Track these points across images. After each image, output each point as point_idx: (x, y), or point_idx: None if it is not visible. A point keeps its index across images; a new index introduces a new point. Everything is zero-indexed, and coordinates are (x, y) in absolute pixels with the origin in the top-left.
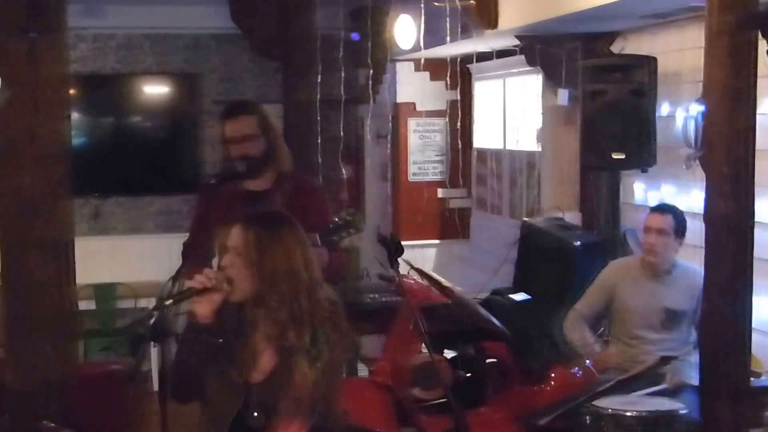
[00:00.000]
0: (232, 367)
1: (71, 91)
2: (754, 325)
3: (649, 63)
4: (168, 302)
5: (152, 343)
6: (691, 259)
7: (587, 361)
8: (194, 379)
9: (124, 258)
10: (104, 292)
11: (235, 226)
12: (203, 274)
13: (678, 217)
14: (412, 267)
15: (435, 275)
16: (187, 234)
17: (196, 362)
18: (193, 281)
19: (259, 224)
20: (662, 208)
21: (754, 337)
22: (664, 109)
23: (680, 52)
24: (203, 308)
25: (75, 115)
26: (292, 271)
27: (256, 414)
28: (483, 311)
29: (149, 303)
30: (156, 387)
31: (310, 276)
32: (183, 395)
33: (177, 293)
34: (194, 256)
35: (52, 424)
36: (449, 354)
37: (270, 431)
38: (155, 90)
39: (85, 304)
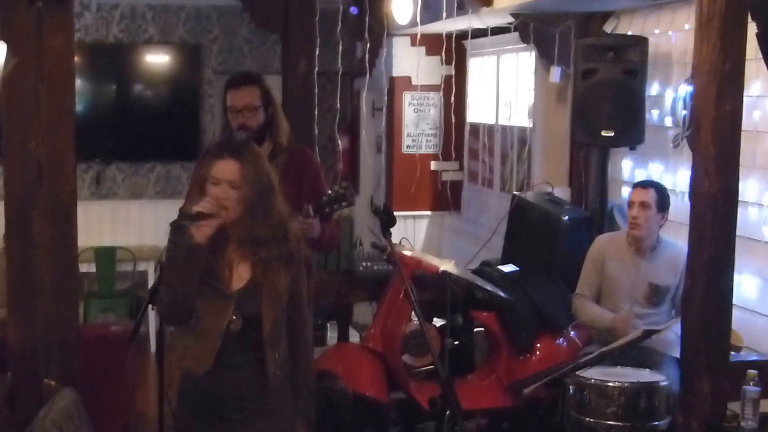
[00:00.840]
0: (215, 280)
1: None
2: (735, 301)
3: (640, 43)
4: (185, 222)
5: (150, 306)
6: (676, 236)
7: (572, 333)
8: (189, 297)
9: (124, 222)
10: (104, 255)
11: (222, 160)
12: (208, 201)
13: (660, 192)
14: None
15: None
16: (184, 201)
17: (193, 277)
18: (201, 206)
19: (246, 156)
20: (645, 183)
21: (735, 313)
22: (653, 88)
23: (671, 33)
24: (203, 232)
25: (78, 83)
26: (272, 191)
27: (235, 317)
28: (480, 280)
29: (148, 266)
30: (153, 348)
31: (277, 189)
32: (178, 315)
33: (190, 215)
34: None
35: (53, 383)
36: (438, 322)
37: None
38: (157, 59)
39: (86, 267)
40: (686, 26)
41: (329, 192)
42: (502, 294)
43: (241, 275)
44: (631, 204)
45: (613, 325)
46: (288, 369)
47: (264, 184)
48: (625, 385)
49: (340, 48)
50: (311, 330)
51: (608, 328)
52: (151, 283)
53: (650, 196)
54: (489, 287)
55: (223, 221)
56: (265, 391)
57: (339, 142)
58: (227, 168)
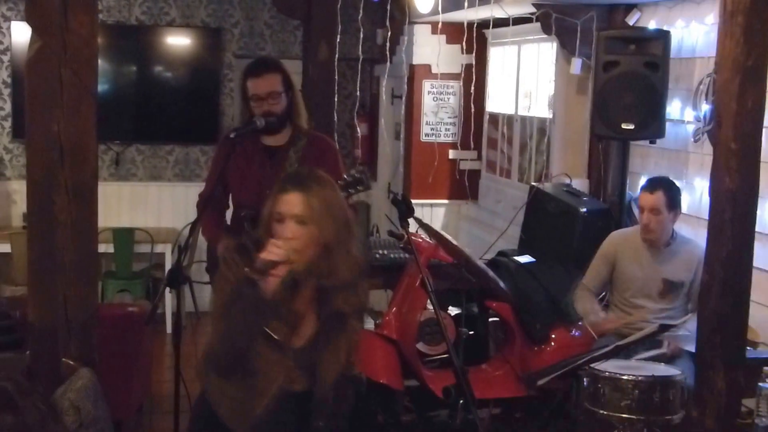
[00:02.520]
0: (278, 333)
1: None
2: (752, 297)
3: (663, 37)
4: (253, 275)
5: (168, 288)
6: (694, 231)
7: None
8: (242, 350)
9: (143, 204)
10: (122, 236)
11: (289, 193)
12: (276, 246)
13: (669, 192)
14: (421, 224)
15: (443, 233)
16: (203, 185)
17: (252, 331)
18: (269, 254)
19: (313, 187)
20: (652, 186)
21: (752, 309)
22: (675, 82)
23: (694, 27)
24: (272, 282)
25: (99, 64)
26: (348, 231)
27: (295, 376)
28: (489, 272)
29: (165, 248)
30: (169, 329)
31: (356, 231)
32: (229, 368)
33: (258, 268)
34: (211, 208)
35: (72, 362)
36: (454, 311)
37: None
38: (178, 42)
39: (104, 248)
40: (709, 20)
41: (345, 176)
42: (502, 286)
43: (304, 330)
44: (641, 209)
45: (600, 328)
46: None
47: (339, 218)
48: (640, 378)
49: (361, 35)
50: None
51: (594, 324)
52: (168, 265)
53: (659, 200)
54: (500, 282)
55: (292, 267)
56: None
57: (358, 128)
58: (292, 202)
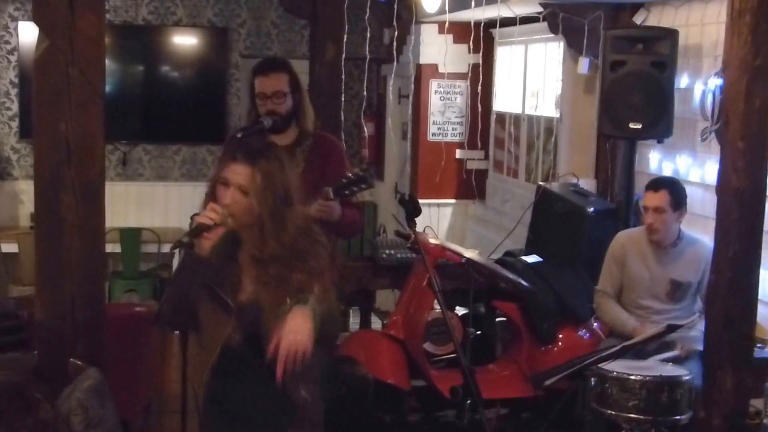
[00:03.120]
0: (222, 290)
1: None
2: (761, 296)
3: (670, 36)
4: (185, 239)
5: None
6: (702, 230)
7: (594, 324)
8: (188, 306)
9: (150, 204)
10: (129, 236)
11: (238, 162)
12: (211, 211)
13: (673, 191)
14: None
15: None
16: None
17: (192, 290)
18: (203, 218)
19: (261, 162)
20: (656, 185)
21: (761, 308)
22: (682, 81)
23: (702, 26)
24: (205, 244)
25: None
26: (287, 202)
27: (234, 332)
28: (503, 270)
29: None
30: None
31: (297, 201)
32: (177, 322)
33: (190, 231)
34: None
35: (79, 362)
36: (461, 311)
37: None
38: (185, 42)
39: (111, 247)
40: (717, 19)
41: (349, 174)
42: (523, 283)
43: (246, 288)
44: (645, 209)
45: (633, 334)
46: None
47: (278, 196)
48: (647, 378)
49: (368, 34)
50: (338, 328)
51: (628, 334)
52: (175, 265)
53: (663, 199)
54: (511, 277)
55: (229, 228)
56: (271, 409)
57: (365, 128)
58: (239, 171)
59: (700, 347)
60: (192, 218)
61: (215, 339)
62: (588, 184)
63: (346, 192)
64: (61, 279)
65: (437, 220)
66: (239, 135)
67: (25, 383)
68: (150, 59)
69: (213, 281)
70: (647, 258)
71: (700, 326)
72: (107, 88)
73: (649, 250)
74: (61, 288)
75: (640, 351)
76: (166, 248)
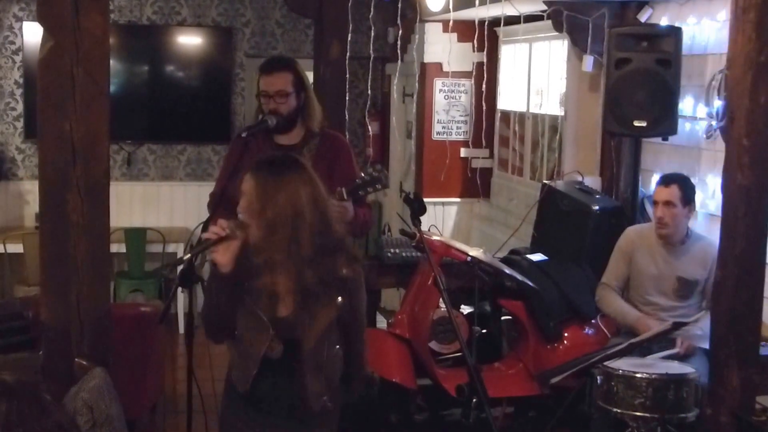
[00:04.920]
0: (257, 305)
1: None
2: (766, 293)
3: (675, 33)
4: (186, 257)
5: (180, 288)
6: (708, 228)
7: (600, 322)
8: (224, 320)
9: (155, 204)
10: (134, 236)
11: (248, 172)
12: (217, 225)
13: (684, 186)
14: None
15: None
16: (215, 184)
17: (224, 305)
18: (208, 232)
19: (265, 170)
20: (667, 180)
21: (766, 305)
22: (687, 79)
23: (706, 23)
24: (222, 257)
25: (111, 64)
26: (295, 215)
27: (274, 343)
28: (508, 269)
29: (177, 248)
30: (182, 329)
31: (320, 217)
32: (216, 335)
33: (195, 246)
34: (222, 208)
35: (85, 362)
36: (466, 310)
37: (293, 363)
38: (190, 41)
39: (116, 247)
40: (721, 17)
41: (363, 175)
42: (529, 283)
43: (285, 300)
44: (655, 203)
45: (636, 324)
46: (339, 395)
47: (288, 202)
48: (653, 376)
49: (373, 33)
50: (364, 338)
51: (630, 325)
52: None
53: (673, 194)
54: (518, 276)
55: (242, 240)
56: (306, 417)
57: (369, 127)
58: (246, 178)
59: (700, 344)
60: (205, 226)
61: (256, 350)
62: (593, 181)
63: (361, 193)
64: (66, 279)
65: (442, 218)
66: (243, 134)
67: (39, 385)
68: (154, 59)
69: (248, 296)
70: (655, 254)
71: (701, 323)
72: (112, 88)
73: (658, 247)
74: (66, 288)
75: (645, 348)
76: (171, 248)
